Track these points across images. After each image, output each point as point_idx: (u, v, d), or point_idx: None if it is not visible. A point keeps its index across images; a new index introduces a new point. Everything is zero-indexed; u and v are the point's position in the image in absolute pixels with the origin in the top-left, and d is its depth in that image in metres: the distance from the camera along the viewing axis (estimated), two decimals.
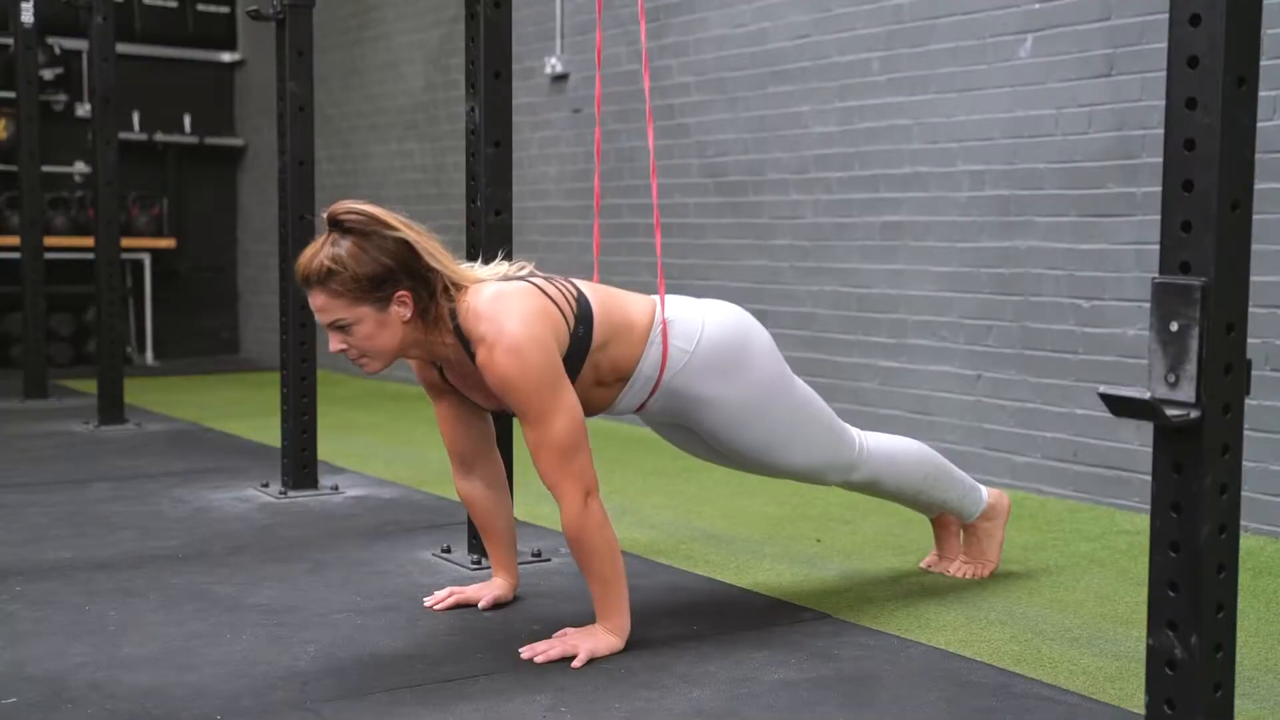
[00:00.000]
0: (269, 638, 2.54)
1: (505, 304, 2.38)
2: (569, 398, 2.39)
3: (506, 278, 2.50)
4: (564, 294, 2.49)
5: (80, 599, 2.81)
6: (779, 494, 3.94)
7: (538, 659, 2.38)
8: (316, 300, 2.36)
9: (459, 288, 2.41)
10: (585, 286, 2.56)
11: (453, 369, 2.53)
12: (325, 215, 2.39)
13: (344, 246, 2.34)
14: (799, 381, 2.73)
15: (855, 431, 2.83)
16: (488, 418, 2.71)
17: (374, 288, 2.34)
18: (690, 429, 2.71)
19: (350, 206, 2.37)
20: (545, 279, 2.53)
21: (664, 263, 5.35)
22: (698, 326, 2.58)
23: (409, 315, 2.38)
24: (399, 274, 2.36)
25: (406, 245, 2.35)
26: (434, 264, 2.38)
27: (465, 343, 2.41)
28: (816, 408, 2.74)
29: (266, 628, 2.60)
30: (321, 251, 2.35)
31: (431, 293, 2.38)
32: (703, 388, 2.59)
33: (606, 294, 2.58)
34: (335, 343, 2.39)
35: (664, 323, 2.56)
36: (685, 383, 2.58)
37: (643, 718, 2.12)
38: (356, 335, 2.37)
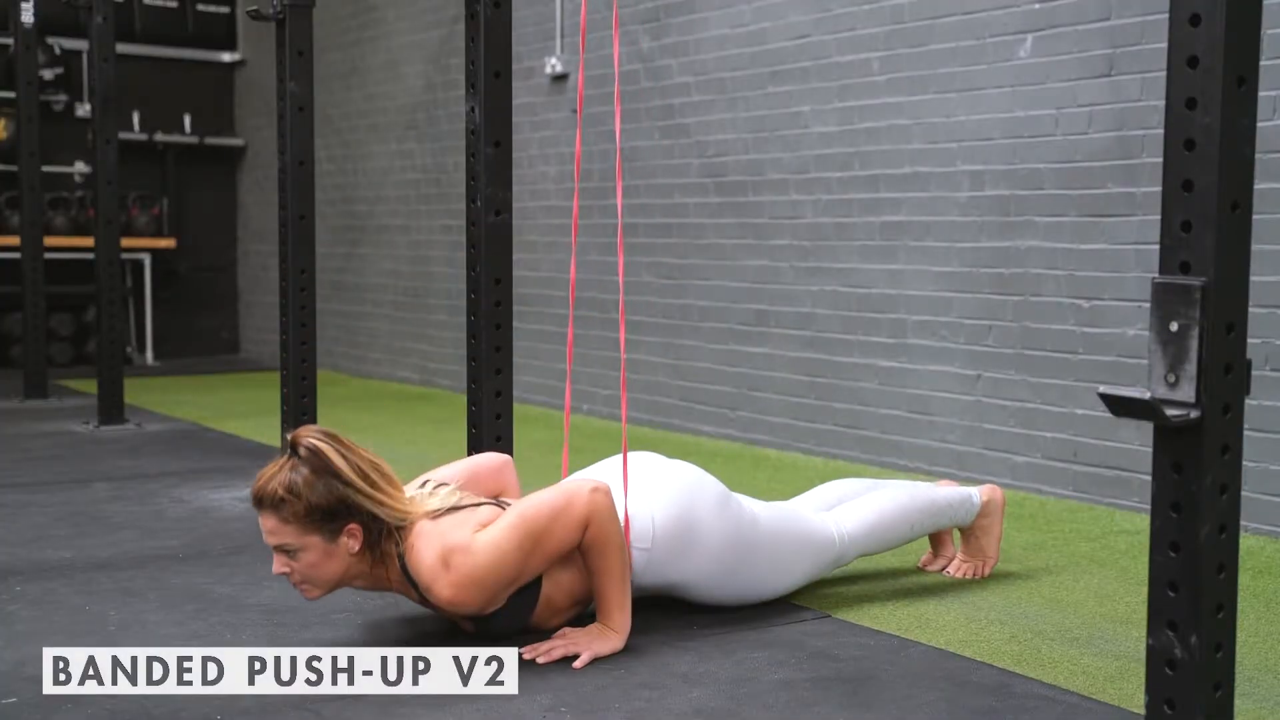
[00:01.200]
0: (269, 638, 2.54)
1: (440, 542, 2.36)
2: (524, 531, 2.36)
3: (455, 507, 2.45)
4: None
5: (80, 599, 2.81)
6: (779, 495, 3.94)
7: (540, 659, 2.38)
8: (267, 523, 2.34)
9: (404, 529, 2.39)
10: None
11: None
12: (289, 438, 2.37)
13: (301, 474, 2.32)
14: (760, 513, 2.72)
15: (831, 523, 2.83)
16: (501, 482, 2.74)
17: (325, 519, 2.33)
18: (685, 600, 2.72)
19: (309, 441, 2.34)
20: (486, 502, 2.50)
21: (664, 263, 5.35)
22: (648, 522, 2.57)
23: (357, 548, 2.36)
24: (351, 510, 2.35)
25: (352, 494, 2.33)
26: (378, 511, 2.35)
27: (412, 582, 2.39)
28: (786, 531, 2.74)
29: (266, 628, 2.60)
30: (279, 475, 2.33)
31: (381, 530, 2.38)
32: (674, 575, 2.61)
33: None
34: (278, 565, 2.37)
35: (626, 526, 2.53)
36: (655, 577, 2.60)
37: (643, 718, 2.12)
38: (301, 561, 2.36)
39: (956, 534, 3.12)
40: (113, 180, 5.36)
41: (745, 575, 2.67)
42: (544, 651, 2.40)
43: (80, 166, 8.26)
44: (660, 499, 2.60)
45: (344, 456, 2.34)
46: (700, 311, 5.20)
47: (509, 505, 2.48)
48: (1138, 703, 2.18)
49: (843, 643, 2.53)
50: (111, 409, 5.41)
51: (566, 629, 2.46)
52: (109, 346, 5.41)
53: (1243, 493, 1.62)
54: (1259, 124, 1.67)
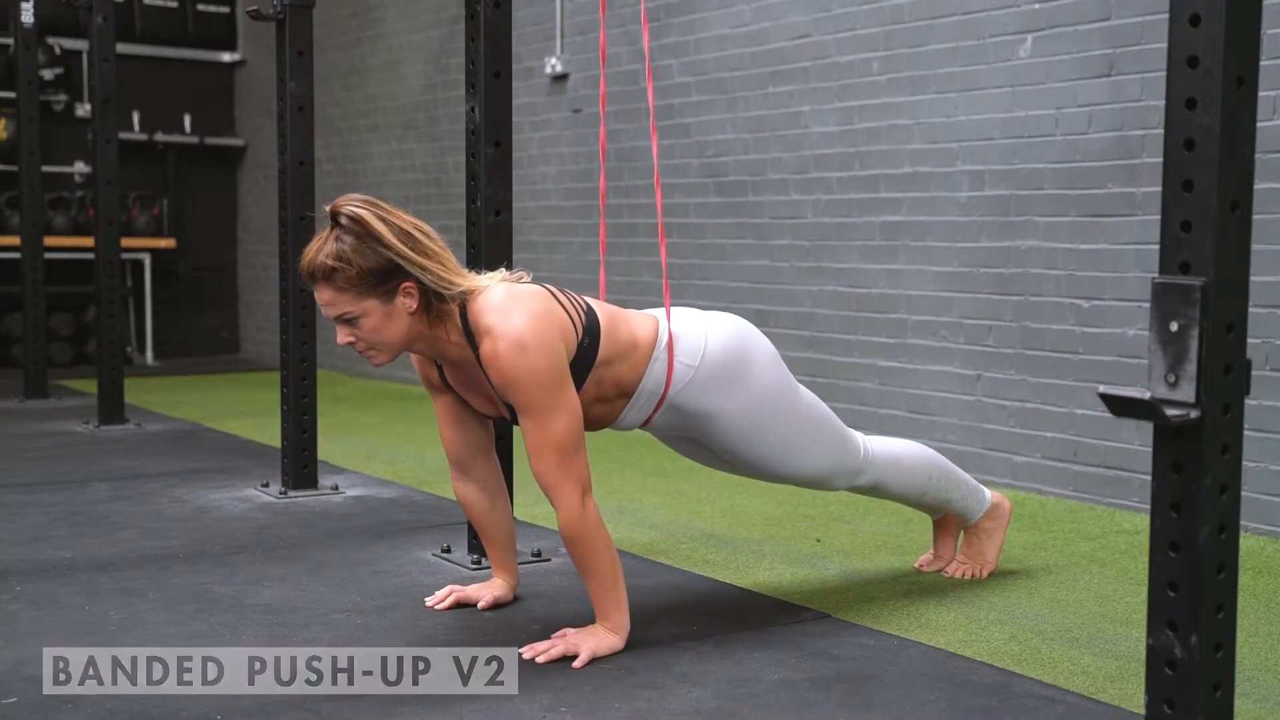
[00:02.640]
0: (269, 638, 2.54)
1: (515, 301, 2.38)
2: (571, 398, 2.39)
3: (519, 279, 2.50)
4: (574, 304, 2.49)
5: (80, 599, 2.81)
6: (779, 494, 3.94)
7: (539, 659, 2.38)
8: (322, 295, 2.36)
9: (456, 289, 2.39)
10: (593, 302, 2.56)
11: (454, 369, 2.53)
12: (328, 210, 2.39)
13: (347, 242, 2.34)
14: (803, 389, 2.73)
15: (859, 435, 2.83)
16: (487, 420, 2.71)
17: (379, 281, 2.34)
18: (697, 440, 2.71)
19: (350, 210, 2.35)
20: (560, 294, 2.52)
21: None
22: (701, 341, 2.58)
23: (414, 307, 2.38)
24: (402, 270, 2.36)
25: (395, 257, 2.34)
26: (422, 276, 2.35)
27: (471, 339, 2.41)
28: (821, 414, 2.74)
29: (266, 628, 2.60)
30: (325, 247, 2.35)
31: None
32: (708, 402, 2.59)
33: (612, 311, 2.58)
34: (343, 335, 2.40)
35: (670, 339, 2.56)
36: (691, 398, 2.58)
37: (643, 718, 2.13)
38: (363, 328, 2.37)
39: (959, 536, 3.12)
40: (113, 180, 5.35)
41: (770, 434, 2.64)
42: (543, 651, 2.40)
43: (80, 166, 8.25)
44: (717, 327, 2.62)
45: (385, 221, 2.34)
46: None
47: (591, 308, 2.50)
48: (1138, 703, 2.18)
49: (843, 643, 2.53)
50: (111, 409, 5.41)
51: (566, 629, 2.47)
52: (109, 346, 5.41)
53: (1243, 493, 1.62)
54: (1259, 124, 1.67)
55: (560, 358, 2.38)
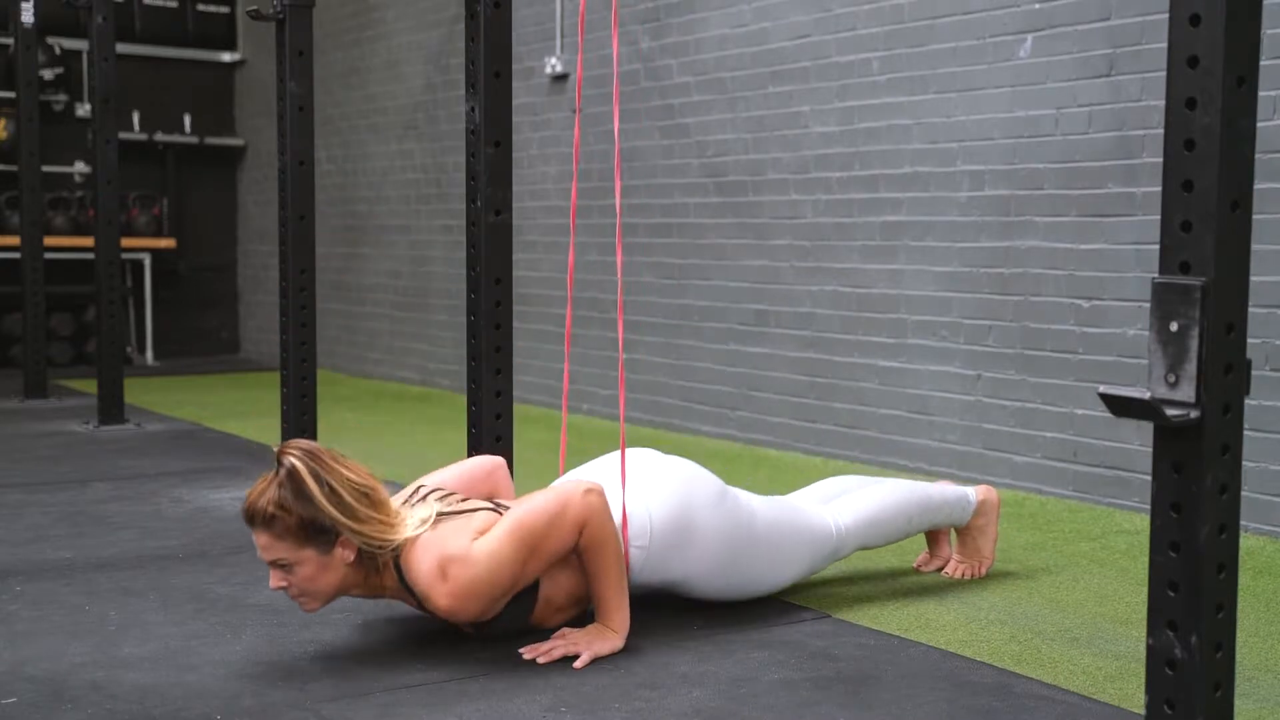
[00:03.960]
0: (269, 638, 2.54)
1: (440, 548, 2.35)
2: (518, 537, 2.35)
3: (450, 513, 2.44)
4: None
5: (80, 599, 2.81)
6: (778, 494, 3.93)
7: (540, 659, 2.38)
8: (260, 539, 2.33)
9: (389, 547, 2.36)
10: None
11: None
12: (276, 451, 2.35)
13: (290, 489, 2.30)
14: (756, 507, 2.71)
15: (828, 516, 2.83)
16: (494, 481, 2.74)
17: (318, 533, 2.31)
18: (683, 597, 2.72)
19: (288, 461, 2.31)
20: (482, 507, 2.48)
21: (664, 263, 5.35)
22: (645, 520, 2.56)
23: (352, 558, 2.35)
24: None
25: (325, 521, 2.30)
26: (354, 539, 2.32)
27: (408, 588, 2.39)
28: (783, 524, 2.74)
29: (266, 628, 2.60)
30: (268, 492, 2.31)
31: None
32: (672, 572, 2.61)
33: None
34: (275, 580, 2.36)
35: (624, 524, 2.54)
36: (653, 574, 2.60)
37: (643, 718, 2.12)
38: (298, 575, 2.34)
39: (953, 535, 3.12)
40: (113, 180, 5.36)
41: (743, 569, 2.67)
42: (544, 652, 2.40)
43: (80, 166, 8.25)
44: (657, 495, 2.59)
45: (318, 479, 2.30)
46: (700, 311, 5.20)
47: (506, 508, 2.47)
48: (1138, 703, 2.18)
49: (843, 643, 2.53)
50: (111, 409, 5.41)
51: (566, 629, 2.46)
52: (109, 346, 5.41)
53: (1243, 493, 1.62)
54: (1259, 124, 1.67)
55: (498, 561, 2.34)
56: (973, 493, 3.04)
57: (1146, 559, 2.03)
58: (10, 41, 6.84)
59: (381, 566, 2.39)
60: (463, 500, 2.51)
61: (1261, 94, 2.57)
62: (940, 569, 3.09)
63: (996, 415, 4.14)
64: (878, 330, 4.50)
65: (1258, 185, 2.91)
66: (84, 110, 8.09)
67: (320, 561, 2.34)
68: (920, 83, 4.32)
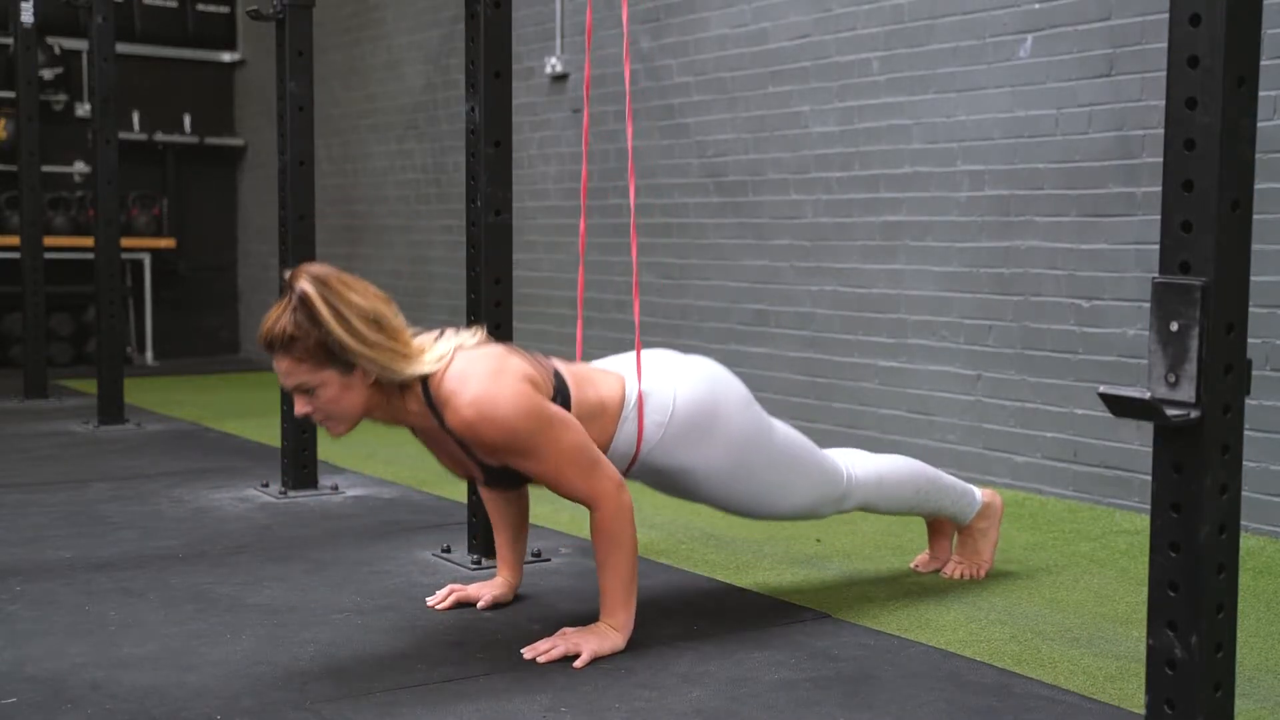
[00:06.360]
0: (269, 638, 2.54)
1: (472, 367, 2.35)
2: (560, 422, 2.36)
3: (478, 343, 2.45)
4: (540, 366, 2.46)
5: (80, 599, 2.81)
6: None
7: (540, 659, 2.38)
8: (280, 364, 2.31)
9: (402, 377, 2.34)
10: (560, 364, 2.53)
11: (422, 435, 2.50)
12: (288, 276, 2.34)
13: (303, 314, 2.28)
14: (777, 425, 2.71)
15: (841, 460, 2.82)
16: None
17: (337, 352, 2.29)
18: (680, 493, 2.71)
19: (300, 287, 2.28)
20: (523, 353, 2.49)
21: (664, 263, 5.35)
22: (669, 398, 2.56)
23: (373, 378, 2.34)
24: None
25: (338, 347, 2.28)
26: (366, 366, 2.30)
27: (435, 409, 2.38)
28: (799, 449, 2.73)
29: (266, 628, 2.60)
30: (283, 317, 2.29)
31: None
32: (682, 458, 2.59)
33: (578, 373, 2.55)
34: (300, 405, 2.35)
35: (640, 398, 2.54)
36: (664, 455, 2.58)
37: (643, 718, 2.13)
38: (321, 398, 2.33)
39: (954, 536, 3.12)
40: (113, 180, 5.35)
41: (751, 479, 2.64)
42: (544, 651, 2.40)
43: (80, 166, 8.25)
44: (685, 379, 2.59)
45: (330, 304, 2.27)
46: (700, 311, 5.20)
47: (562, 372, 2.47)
48: (1138, 703, 2.18)
49: (843, 643, 2.53)
50: (111, 409, 5.41)
51: (567, 628, 2.46)
52: (109, 346, 5.41)
53: (1243, 493, 1.62)
54: (1259, 124, 1.67)
55: (530, 399, 2.34)
56: (979, 493, 3.04)
57: (1146, 559, 2.03)
58: (10, 41, 6.83)
59: (406, 387, 2.37)
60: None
61: (1261, 94, 2.57)
62: (939, 569, 3.09)
63: (996, 415, 4.14)
64: (878, 330, 4.50)
65: (1258, 185, 2.91)
66: (84, 110, 8.09)
67: (342, 382, 2.31)
68: (920, 83, 4.32)
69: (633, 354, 2.65)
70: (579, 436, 2.38)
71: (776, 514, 2.75)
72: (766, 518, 2.76)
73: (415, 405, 2.39)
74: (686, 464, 2.59)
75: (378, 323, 2.33)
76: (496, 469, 2.44)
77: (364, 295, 2.34)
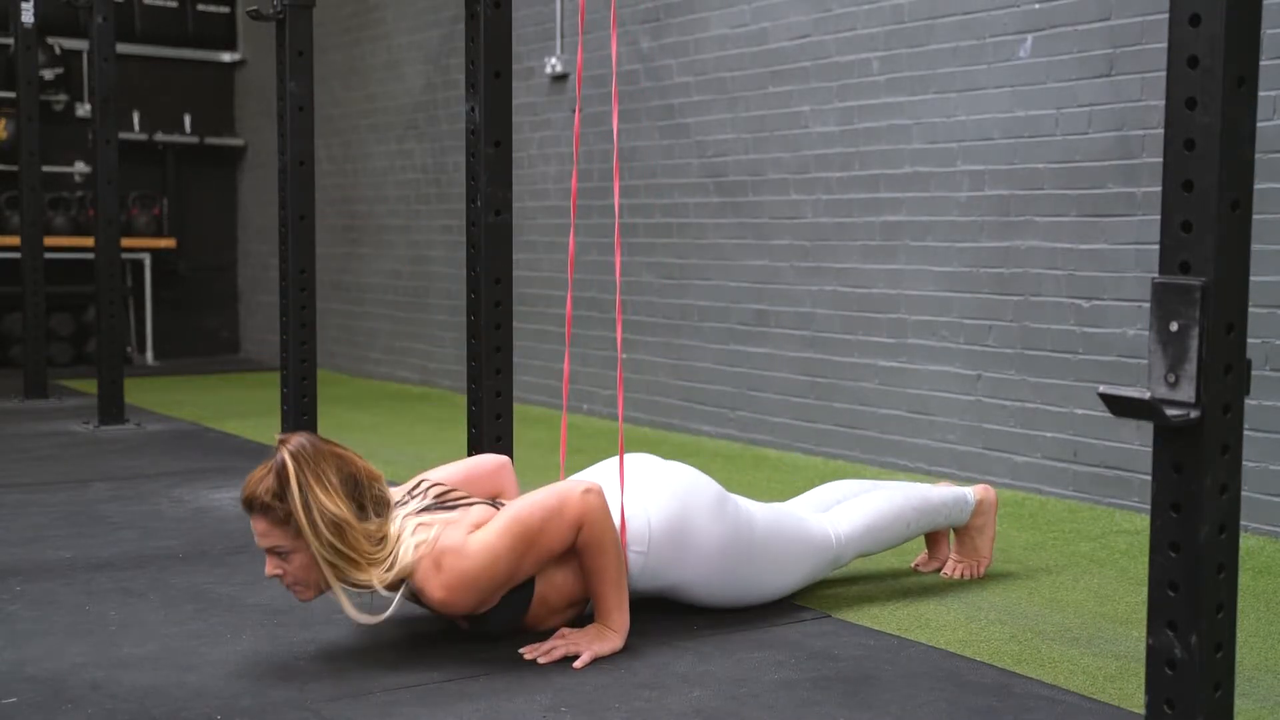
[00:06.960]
0: (269, 638, 2.54)
1: (437, 541, 2.35)
2: (510, 526, 2.35)
3: (446, 505, 2.44)
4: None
5: (80, 599, 2.81)
6: (779, 494, 3.94)
7: (540, 659, 2.38)
8: (258, 526, 2.33)
9: (348, 582, 2.35)
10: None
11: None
12: (277, 441, 2.35)
13: (277, 486, 2.30)
14: (756, 513, 2.71)
15: (827, 524, 2.83)
16: (499, 480, 2.71)
17: None
18: (681, 602, 2.71)
19: (282, 457, 2.30)
20: (480, 503, 2.48)
21: (663, 263, 5.35)
22: (644, 526, 2.56)
23: None
24: None
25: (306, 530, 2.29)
26: (324, 568, 2.31)
27: (410, 598, 2.39)
28: (783, 529, 2.73)
29: (266, 628, 2.60)
30: (266, 480, 2.31)
31: None
32: (671, 577, 2.60)
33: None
34: (271, 567, 2.35)
35: (622, 527, 2.53)
36: (652, 579, 2.59)
37: (643, 718, 2.12)
38: (293, 564, 2.34)
39: (950, 534, 3.12)
40: (113, 180, 5.36)
41: (743, 577, 2.67)
42: (544, 652, 2.40)
43: (80, 166, 8.26)
44: (656, 500, 2.59)
45: (301, 493, 2.27)
46: (700, 311, 5.20)
47: (503, 506, 2.47)
48: (1138, 703, 2.18)
49: (843, 643, 2.53)
50: (111, 409, 5.41)
51: (566, 629, 2.46)
52: (109, 346, 5.41)
53: (1243, 493, 1.62)
54: (1259, 124, 1.67)
55: (490, 551, 2.33)
56: (971, 493, 3.04)
57: (1146, 559, 2.03)
58: (10, 41, 6.83)
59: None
60: (462, 497, 2.51)
61: (1261, 94, 2.57)
62: (939, 569, 3.09)
63: (996, 415, 4.14)
64: (878, 330, 4.50)
65: (1258, 185, 2.91)
66: (84, 110, 8.09)
67: (314, 553, 2.33)
68: (920, 83, 4.32)
69: (607, 463, 2.66)
70: (525, 509, 2.37)
71: (778, 594, 2.76)
72: (770, 599, 2.77)
73: (386, 574, 2.36)
74: (678, 581, 2.62)
75: (339, 530, 2.31)
76: (484, 614, 2.43)
77: (333, 497, 2.31)
